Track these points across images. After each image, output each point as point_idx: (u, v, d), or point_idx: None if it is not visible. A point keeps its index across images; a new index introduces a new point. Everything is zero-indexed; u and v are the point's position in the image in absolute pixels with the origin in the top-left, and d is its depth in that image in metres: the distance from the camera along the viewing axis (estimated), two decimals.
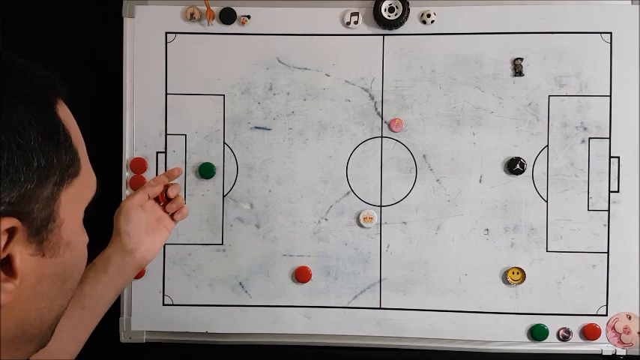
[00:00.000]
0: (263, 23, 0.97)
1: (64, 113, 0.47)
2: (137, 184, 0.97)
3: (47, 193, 0.43)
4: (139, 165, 0.97)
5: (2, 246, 0.41)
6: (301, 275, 0.97)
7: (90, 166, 0.49)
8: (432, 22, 0.95)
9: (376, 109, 0.97)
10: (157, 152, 0.98)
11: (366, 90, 0.97)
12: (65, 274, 0.48)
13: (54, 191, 0.44)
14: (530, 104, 0.95)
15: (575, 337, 0.95)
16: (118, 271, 0.81)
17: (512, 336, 0.96)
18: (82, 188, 0.47)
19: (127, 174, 0.98)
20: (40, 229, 0.43)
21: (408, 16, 0.95)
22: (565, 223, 0.95)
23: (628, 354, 0.95)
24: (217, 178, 0.98)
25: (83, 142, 0.48)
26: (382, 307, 0.97)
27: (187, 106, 0.98)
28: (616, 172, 0.95)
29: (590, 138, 0.95)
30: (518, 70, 0.95)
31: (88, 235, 0.51)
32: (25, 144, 0.41)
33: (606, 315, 0.95)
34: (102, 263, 0.80)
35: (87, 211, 0.49)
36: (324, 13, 0.97)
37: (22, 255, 0.42)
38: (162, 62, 0.97)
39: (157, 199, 0.83)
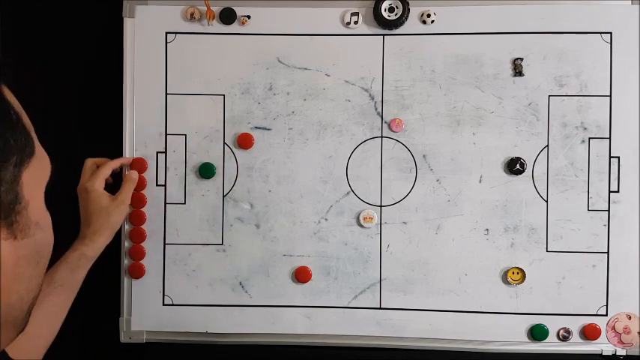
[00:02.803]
0: (263, 23, 0.97)
1: (9, 95, 0.47)
2: (137, 184, 0.97)
3: (9, 175, 0.44)
4: (139, 165, 0.97)
5: None
6: (301, 275, 0.97)
7: (41, 147, 0.50)
8: (432, 22, 0.95)
9: (376, 109, 0.97)
10: (157, 152, 0.98)
11: (366, 90, 0.97)
12: (38, 254, 0.48)
13: (15, 172, 0.44)
14: (530, 104, 0.95)
15: (575, 337, 0.95)
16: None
17: (512, 336, 0.96)
18: (39, 168, 0.48)
19: (127, 174, 0.98)
20: (8, 212, 0.44)
21: (408, 16, 0.95)
22: (565, 223, 0.95)
23: (628, 354, 0.95)
24: (217, 178, 0.98)
25: (31, 124, 0.49)
26: (382, 307, 0.97)
27: (187, 106, 0.98)
28: (616, 172, 0.95)
29: (590, 138, 0.95)
30: (518, 70, 0.95)
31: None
32: None
33: (606, 315, 0.95)
34: (94, 255, 0.90)
35: (47, 192, 0.50)
36: (324, 13, 0.97)
37: None
38: (162, 62, 0.97)
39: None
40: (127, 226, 0.98)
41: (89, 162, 0.94)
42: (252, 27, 0.97)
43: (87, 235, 0.89)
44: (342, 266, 0.97)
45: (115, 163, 0.94)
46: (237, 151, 0.98)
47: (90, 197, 0.90)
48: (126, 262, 0.98)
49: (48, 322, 0.84)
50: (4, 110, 0.44)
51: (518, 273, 0.95)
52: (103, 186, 0.92)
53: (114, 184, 0.96)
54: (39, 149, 0.48)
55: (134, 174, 0.96)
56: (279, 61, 0.97)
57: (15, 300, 0.47)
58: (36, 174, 0.47)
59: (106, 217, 0.90)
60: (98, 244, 0.90)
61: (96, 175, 0.92)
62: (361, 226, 0.97)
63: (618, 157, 0.95)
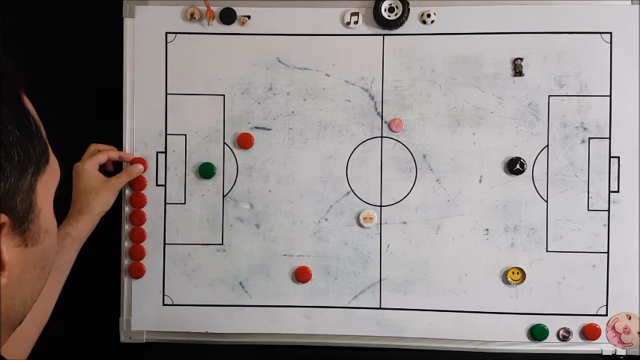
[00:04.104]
0: (263, 23, 0.97)
1: (28, 102, 0.47)
2: (137, 184, 0.97)
3: (26, 185, 0.44)
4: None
5: None
6: (301, 275, 0.97)
7: (52, 153, 0.50)
8: (432, 22, 0.95)
9: (376, 109, 0.97)
10: (157, 152, 0.98)
11: (366, 90, 0.97)
12: (44, 259, 0.49)
13: (31, 182, 0.45)
14: (530, 104, 0.95)
15: (575, 337, 0.95)
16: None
17: (512, 336, 0.96)
18: (52, 175, 0.48)
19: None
20: (22, 221, 0.44)
21: (408, 16, 0.95)
22: (565, 223, 0.95)
23: (628, 354, 0.95)
24: (217, 178, 0.98)
25: (43, 129, 0.49)
26: (382, 307, 0.97)
27: (187, 106, 0.98)
28: (616, 172, 0.95)
29: (590, 138, 0.95)
30: (518, 70, 0.95)
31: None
32: (5, 140, 0.41)
33: (606, 315, 0.95)
34: (78, 236, 0.88)
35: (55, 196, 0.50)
36: (324, 13, 0.97)
37: (8, 248, 0.43)
38: (163, 62, 0.97)
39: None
40: (127, 226, 0.98)
41: (92, 147, 0.95)
42: (252, 27, 0.97)
43: (72, 215, 0.89)
44: (342, 266, 0.97)
45: (113, 153, 0.95)
46: (237, 151, 0.98)
47: (79, 177, 0.91)
48: (126, 262, 0.98)
49: (39, 304, 0.84)
50: (25, 120, 0.44)
51: (518, 273, 0.95)
52: (96, 168, 0.92)
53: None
54: (52, 156, 0.49)
55: (137, 167, 0.96)
56: (279, 61, 0.97)
57: (18, 304, 0.48)
58: (49, 181, 0.47)
59: (94, 196, 0.90)
60: (81, 224, 0.89)
61: (90, 157, 0.92)
62: (361, 226, 0.97)
63: (618, 157, 0.95)
